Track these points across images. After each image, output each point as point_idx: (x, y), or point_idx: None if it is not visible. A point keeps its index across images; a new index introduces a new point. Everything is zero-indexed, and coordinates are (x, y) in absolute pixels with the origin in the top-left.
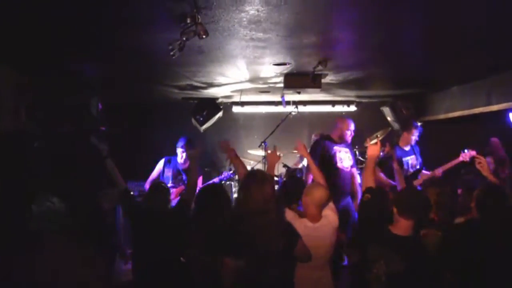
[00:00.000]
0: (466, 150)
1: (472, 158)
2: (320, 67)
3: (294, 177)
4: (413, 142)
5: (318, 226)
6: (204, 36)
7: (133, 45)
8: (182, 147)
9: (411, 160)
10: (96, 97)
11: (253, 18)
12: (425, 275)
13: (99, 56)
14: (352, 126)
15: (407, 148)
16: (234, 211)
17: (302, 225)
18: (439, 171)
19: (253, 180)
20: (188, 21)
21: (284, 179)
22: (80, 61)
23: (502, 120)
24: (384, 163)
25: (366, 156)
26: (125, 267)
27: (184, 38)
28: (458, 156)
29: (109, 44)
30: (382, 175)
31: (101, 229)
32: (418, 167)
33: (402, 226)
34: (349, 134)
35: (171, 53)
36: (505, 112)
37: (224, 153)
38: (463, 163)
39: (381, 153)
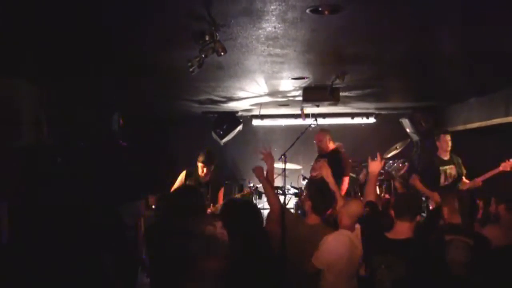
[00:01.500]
0: (508, 160)
1: None
2: (337, 81)
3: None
4: (448, 149)
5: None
6: (222, 53)
7: (154, 62)
8: (202, 162)
9: (449, 170)
10: (118, 113)
11: (271, 34)
12: (430, 277)
13: (120, 72)
14: (316, 138)
15: (445, 158)
16: None
17: (345, 235)
18: (479, 180)
19: None
20: (207, 38)
21: (305, 191)
22: (101, 76)
23: None
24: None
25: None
26: (147, 280)
27: (203, 55)
28: (497, 166)
29: (131, 60)
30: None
31: (124, 242)
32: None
33: (399, 230)
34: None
35: (190, 69)
36: None
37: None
38: (503, 172)
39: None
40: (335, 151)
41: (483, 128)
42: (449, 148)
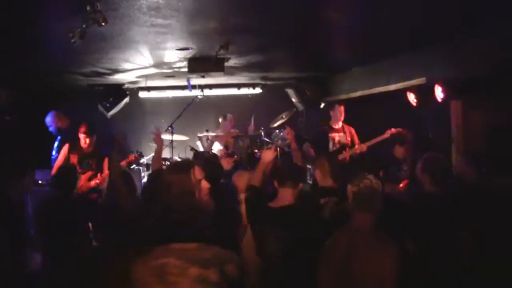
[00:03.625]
0: (393, 129)
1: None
2: (222, 51)
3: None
4: (341, 118)
5: None
6: (103, 24)
7: (34, 34)
8: (84, 132)
9: (338, 137)
10: (1, 87)
11: (152, 4)
12: (314, 239)
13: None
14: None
15: (336, 126)
16: None
17: None
18: (364, 146)
19: None
20: (88, 8)
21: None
22: None
23: (399, 99)
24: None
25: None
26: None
27: (84, 26)
28: (383, 133)
29: (10, 33)
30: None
31: (11, 219)
32: (345, 143)
33: (281, 197)
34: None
35: (72, 40)
36: (402, 91)
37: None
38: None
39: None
40: None
41: (366, 97)
42: (342, 118)
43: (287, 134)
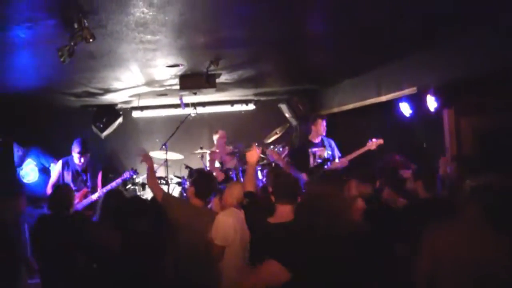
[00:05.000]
0: (373, 140)
1: (379, 146)
2: (212, 67)
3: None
4: (322, 133)
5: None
6: (91, 40)
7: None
8: (79, 152)
9: (319, 152)
10: None
11: (140, 20)
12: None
13: None
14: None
15: (316, 141)
16: None
17: (234, 210)
18: (345, 160)
19: None
20: (75, 26)
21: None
22: None
23: (391, 110)
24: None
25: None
26: (32, 281)
27: (72, 43)
28: (364, 145)
29: None
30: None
31: (4, 241)
32: (326, 157)
33: (279, 214)
34: None
35: (61, 59)
36: (394, 102)
37: (144, 163)
38: (369, 151)
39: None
40: None
41: (357, 109)
42: (322, 132)
43: (272, 154)
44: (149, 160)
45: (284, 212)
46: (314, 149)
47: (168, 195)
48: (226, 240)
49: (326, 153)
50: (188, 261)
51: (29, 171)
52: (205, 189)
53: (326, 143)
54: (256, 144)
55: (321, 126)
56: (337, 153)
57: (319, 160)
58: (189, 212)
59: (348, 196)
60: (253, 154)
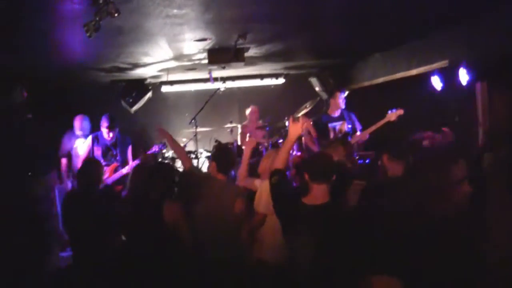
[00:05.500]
0: (393, 110)
1: (399, 117)
2: (240, 41)
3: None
4: (341, 106)
5: None
6: (116, 15)
7: (50, 30)
8: (107, 127)
9: (339, 126)
10: (19, 86)
11: None
12: (343, 240)
13: (16, 45)
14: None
15: (335, 114)
16: None
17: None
18: (365, 133)
19: None
20: (100, 1)
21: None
22: None
23: (422, 84)
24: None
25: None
26: (63, 254)
27: (97, 18)
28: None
29: (25, 32)
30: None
31: (35, 215)
32: (347, 131)
33: (315, 194)
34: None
35: (88, 34)
36: (425, 76)
37: (161, 138)
38: (390, 123)
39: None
40: None
41: (388, 83)
42: (341, 105)
43: (303, 124)
44: (166, 134)
45: (319, 193)
46: (334, 123)
47: (194, 167)
48: (268, 208)
49: (346, 127)
50: (212, 235)
51: (81, 146)
52: (226, 164)
53: (346, 116)
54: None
55: (339, 99)
56: (358, 126)
57: (340, 135)
58: (214, 185)
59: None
60: (297, 128)
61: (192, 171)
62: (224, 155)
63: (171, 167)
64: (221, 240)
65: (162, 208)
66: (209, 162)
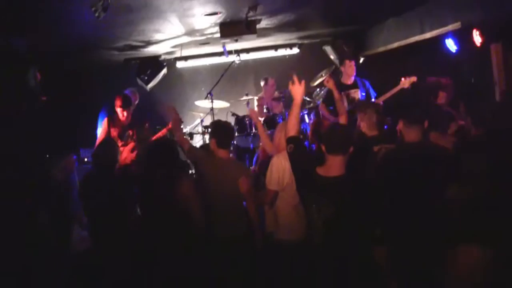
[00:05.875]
0: (406, 77)
1: (412, 84)
2: (251, 13)
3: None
4: (353, 73)
5: None
6: None
7: (60, 11)
8: (120, 106)
9: (352, 93)
10: (33, 68)
11: None
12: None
13: (29, 28)
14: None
15: (348, 82)
16: None
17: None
18: (379, 101)
19: None
20: None
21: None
22: (9, 35)
23: (437, 48)
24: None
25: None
26: (83, 234)
27: None
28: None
29: (38, 14)
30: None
31: (55, 199)
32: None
33: (331, 165)
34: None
35: (96, 14)
36: (438, 39)
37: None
38: (403, 89)
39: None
40: None
41: (403, 48)
42: (352, 73)
43: (327, 82)
44: (174, 114)
45: (335, 164)
46: (347, 92)
47: (193, 147)
48: (280, 185)
49: (360, 94)
50: (217, 212)
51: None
52: (225, 138)
53: (359, 83)
54: (296, 74)
55: (349, 67)
56: (372, 94)
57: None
58: (215, 163)
59: None
60: (297, 89)
61: (193, 152)
62: (221, 130)
63: (171, 142)
64: (227, 218)
65: (173, 184)
66: (209, 140)
